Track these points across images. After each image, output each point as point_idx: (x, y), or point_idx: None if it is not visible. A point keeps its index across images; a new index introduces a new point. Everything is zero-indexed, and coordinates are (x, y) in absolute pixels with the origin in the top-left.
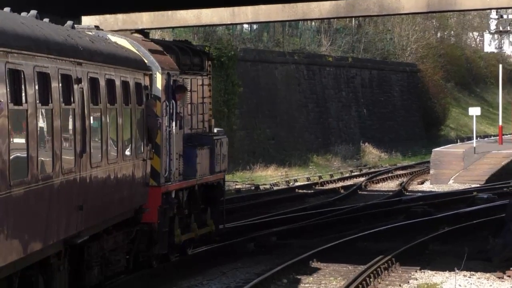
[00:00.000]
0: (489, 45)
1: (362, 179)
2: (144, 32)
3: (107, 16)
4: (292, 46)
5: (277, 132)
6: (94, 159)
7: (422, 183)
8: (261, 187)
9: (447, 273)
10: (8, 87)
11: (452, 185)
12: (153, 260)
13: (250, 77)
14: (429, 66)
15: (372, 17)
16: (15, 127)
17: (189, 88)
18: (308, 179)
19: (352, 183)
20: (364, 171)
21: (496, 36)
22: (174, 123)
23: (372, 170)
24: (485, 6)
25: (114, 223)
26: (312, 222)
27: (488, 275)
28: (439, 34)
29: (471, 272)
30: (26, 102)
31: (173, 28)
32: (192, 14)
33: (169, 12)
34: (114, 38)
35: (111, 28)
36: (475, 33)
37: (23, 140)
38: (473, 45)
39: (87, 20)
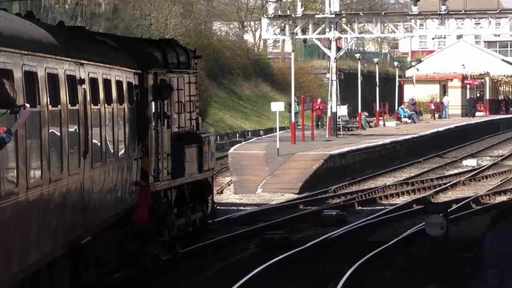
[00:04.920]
0: (267, 31)
1: None
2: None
3: None
4: None
5: None
6: (95, 160)
7: (221, 192)
8: None
9: None
10: (24, 89)
11: (262, 195)
12: (144, 260)
13: None
14: None
15: None
16: (30, 130)
17: (176, 87)
18: None
19: None
20: None
21: (275, 21)
22: (161, 122)
23: None
24: None
25: (111, 222)
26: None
27: None
28: (189, 22)
29: None
30: (39, 104)
31: None
32: None
33: None
34: (100, 37)
35: None
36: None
37: (37, 142)
38: (219, 33)
39: None
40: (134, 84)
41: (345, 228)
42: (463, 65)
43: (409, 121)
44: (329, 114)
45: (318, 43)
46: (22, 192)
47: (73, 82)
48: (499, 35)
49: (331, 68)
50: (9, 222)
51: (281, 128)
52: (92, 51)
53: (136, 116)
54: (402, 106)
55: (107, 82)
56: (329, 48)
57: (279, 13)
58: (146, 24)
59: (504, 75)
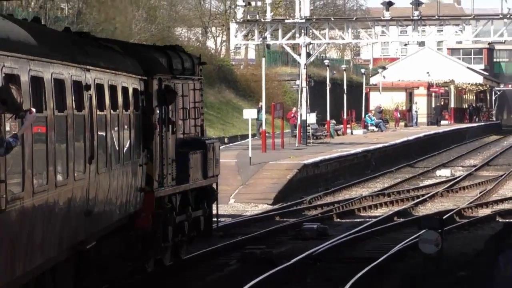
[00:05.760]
0: (236, 36)
1: None
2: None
3: None
4: None
5: None
6: (100, 165)
7: None
8: None
9: None
10: (30, 94)
11: (235, 205)
12: (148, 265)
13: None
14: None
15: None
16: (36, 135)
17: (180, 93)
18: None
19: None
20: None
21: (244, 26)
22: (166, 128)
23: None
24: None
25: (115, 227)
26: None
27: None
28: (153, 27)
29: None
30: (46, 109)
31: None
32: None
33: None
34: (107, 43)
35: None
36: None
37: (43, 147)
38: (181, 39)
39: None
40: (139, 90)
41: (329, 242)
42: (428, 72)
43: (376, 129)
44: (298, 121)
45: (288, 48)
46: (28, 196)
47: (79, 87)
48: (461, 42)
49: (301, 75)
50: (14, 226)
51: (246, 136)
52: (98, 57)
53: (141, 122)
54: (369, 114)
55: (113, 88)
56: (299, 54)
57: (248, 17)
58: (110, 28)
59: (469, 83)
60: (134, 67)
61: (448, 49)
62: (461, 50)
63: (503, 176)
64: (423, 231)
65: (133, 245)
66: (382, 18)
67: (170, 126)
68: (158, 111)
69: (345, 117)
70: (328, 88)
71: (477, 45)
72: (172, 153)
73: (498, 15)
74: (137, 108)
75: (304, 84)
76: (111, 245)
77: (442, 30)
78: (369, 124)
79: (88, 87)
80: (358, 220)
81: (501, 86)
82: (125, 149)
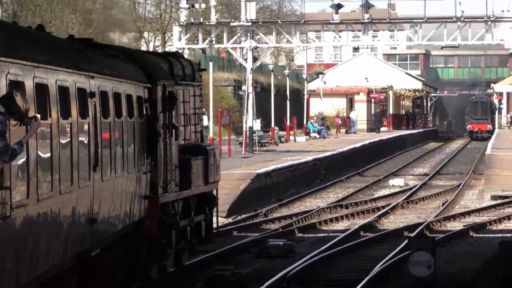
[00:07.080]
0: (179, 40)
1: None
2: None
3: None
4: None
5: None
6: (104, 173)
7: None
8: None
9: None
10: (35, 101)
11: None
12: (151, 271)
13: None
14: None
15: None
16: (41, 142)
17: (182, 99)
18: None
19: None
20: None
21: (187, 29)
22: (169, 133)
23: None
24: None
25: (120, 235)
26: None
27: None
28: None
29: None
30: (50, 116)
31: None
32: None
33: None
34: (110, 51)
35: None
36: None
37: (48, 155)
38: (116, 44)
39: None
40: (143, 98)
41: (300, 262)
42: (366, 78)
43: (318, 136)
44: (244, 128)
45: (234, 53)
46: (32, 203)
47: (83, 95)
48: (395, 48)
49: (248, 80)
50: (19, 233)
51: None
52: (103, 64)
53: (145, 130)
54: (312, 120)
55: (117, 96)
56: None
57: (192, 20)
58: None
59: (407, 89)
60: (137, 74)
61: (384, 54)
62: (397, 56)
63: (460, 186)
64: (411, 252)
65: (137, 252)
66: (332, 21)
67: (174, 131)
68: (161, 118)
69: (288, 123)
70: (272, 93)
71: (413, 50)
72: (175, 159)
73: (452, 17)
74: (141, 116)
75: (250, 89)
76: (116, 252)
77: (376, 36)
78: (311, 131)
79: (92, 95)
80: (321, 235)
81: (437, 92)
82: (129, 156)
